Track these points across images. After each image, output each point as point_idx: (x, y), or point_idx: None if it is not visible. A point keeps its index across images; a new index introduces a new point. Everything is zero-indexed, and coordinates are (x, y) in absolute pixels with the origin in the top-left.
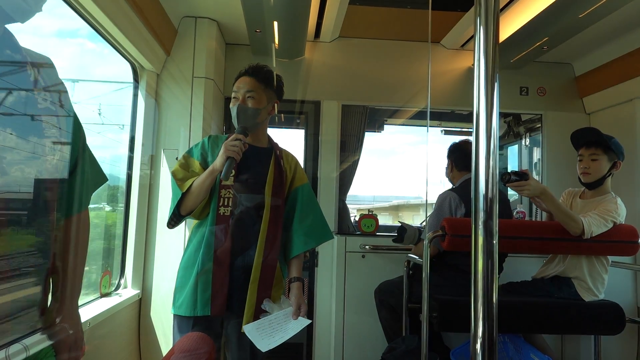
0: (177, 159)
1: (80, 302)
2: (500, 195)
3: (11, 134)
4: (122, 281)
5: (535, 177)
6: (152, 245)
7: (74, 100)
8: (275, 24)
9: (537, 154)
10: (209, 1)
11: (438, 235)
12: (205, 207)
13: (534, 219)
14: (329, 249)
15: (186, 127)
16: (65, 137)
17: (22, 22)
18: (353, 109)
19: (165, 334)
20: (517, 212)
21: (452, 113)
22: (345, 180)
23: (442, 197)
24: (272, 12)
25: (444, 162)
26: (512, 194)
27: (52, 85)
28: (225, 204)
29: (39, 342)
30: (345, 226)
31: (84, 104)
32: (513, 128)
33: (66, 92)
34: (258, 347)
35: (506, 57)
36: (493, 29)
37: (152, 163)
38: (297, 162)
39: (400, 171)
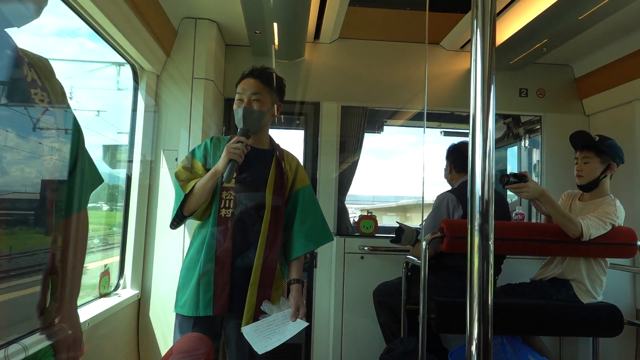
0: (176, 159)
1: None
2: (499, 197)
3: (7, 130)
4: (121, 281)
5: (535, 178)
6: (151, 246)
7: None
8: (275, 25)
9: (536, 155)
10: (209, 2)
11: (437, 237)
12: (207, 208)
13: (533, 220)
14: (327, 250)
15: (186, 128)
16: (64, 137)
17: (19, 26)
18: (353, 110)
19: (164, 334)
20: (516, 214)
21: (451, 114)
22: (344, 181)
23: (440, 199)
24: (271, 13)
25: (443, 163)
26: (511, 195)
27: (49, 86)
28: (227, 205)
29: (37, 342)
30: (344, 227)
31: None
32: (512, 129)
33: (64, 92)
34: (255, 349)
35: (506, 58)
36: (490, 31)
37: (151, 164)
38: (298, 164)
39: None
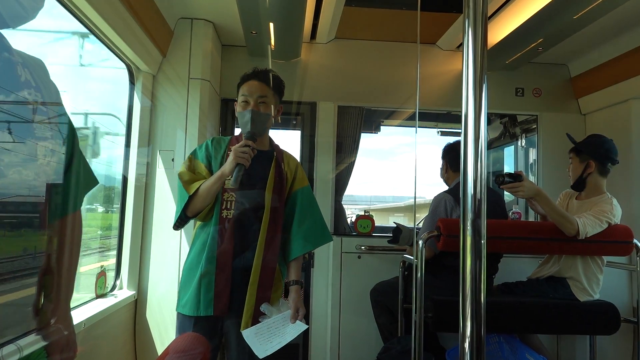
0: (172, 160)
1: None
2: (495, 196)
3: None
4: (118, 282)
5: (531, 178)
6: (147, 246)
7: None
8: (271, 25)
9: (533, 154)
10: (205, 2)
11: (433, 236)
12: (210, 209)
13: (529, 219)
14: (325, 250)
15: (182, 129)
16: (58, 138)
17: (14, 27)
18: (349, 110)
19: (161, 335)
20: (513, 213)
21: (448, 114)
22: (341, 181)
23: (438, 200)
24: (268, 14)
25: (440, 162)
26: (508, 194)
27: (43, 87)
28: (228, 207)
29: (32, 343)
30: (341, 227)
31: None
32: (509, 129)
33: (58, 93)
34: (256, 352)
35: (501, 58)
36: (481, 31)
37: (148, 164)
38: (298, 165)
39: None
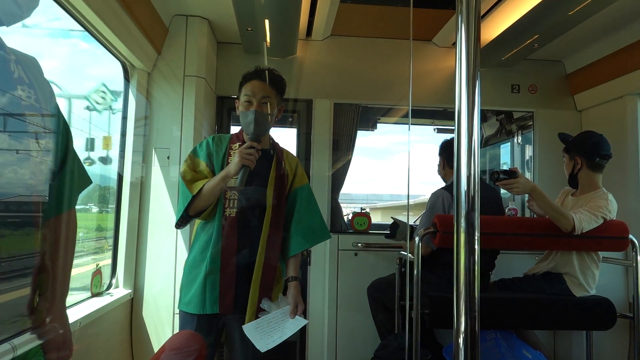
0: (168, 157)
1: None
2: (492, 193)
3: None
4: (114, 281)
5: (527, 174)
6: (143, 245)
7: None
8: (267, 22)
9: (529, 151)
10: (200, 0)
11: (429, 232)
12: (213, 208)
13: (526, 216)
14: (322, 248)
15: (178, 126)
16: (51, 136)
17: (7, 25)
18: (345, 108)
19: (157, 333)
20: (509, 210)
21: (444, 111)
22: (338, 178)
23: (436, 196)
24: (263, 10)
25: (437, 159)
26: (504, 191)
27: (37, 85)
28: (231, 205)
29: (27, 341)
30: (338, 224)
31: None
32: (505, 126)
33: (52, 92)
34: (257, 346)
35: (497, 55)
36: (474, 28)
37: (143, 162)
38: (298, 163)
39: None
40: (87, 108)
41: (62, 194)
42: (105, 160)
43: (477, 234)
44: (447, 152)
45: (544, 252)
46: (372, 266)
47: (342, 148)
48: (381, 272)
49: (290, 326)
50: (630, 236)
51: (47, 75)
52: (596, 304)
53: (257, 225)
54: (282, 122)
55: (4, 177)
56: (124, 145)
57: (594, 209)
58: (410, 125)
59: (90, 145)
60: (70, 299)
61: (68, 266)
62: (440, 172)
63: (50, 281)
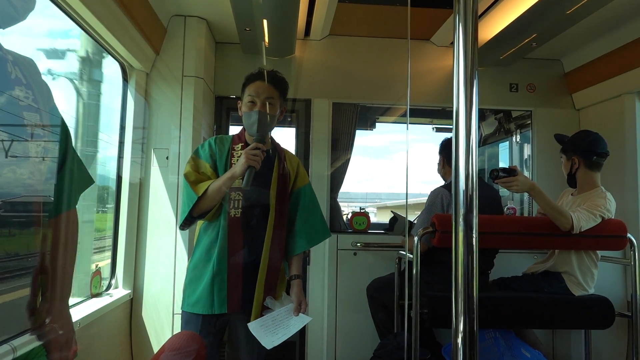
0: (167, 158)
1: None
2: (491, 192)
3: None
4: (113, 281)
5: (526, 173)
6: (142, 245)
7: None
8: (265, 22)
9: (527, 150)
10: (199, 0)
11: (428, 231)
12: (218, 208)
13: (524, 215)
14: (321, 247)
15: (176, 127)
16: (50, 137)
17: (4, 28)
18: (344, 107)
19: (156, 334)
20: (508, 209)
21: (442, 110)
22: (337, 178)
23: (434, 194)
24: (261, 10)
25: (436, 158)
26: (503, 190)
27: (35, 85)
28: (236, 205)
29: (28, 342)
30: (337, 224)
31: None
32: (504, 125)
33: (50, 92)
34: (263, 344)
35: (495, 54)
36: (472, 27)
37: (142, 162)
38: (299, 163)
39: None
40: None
41: (62, 194)
42: None
43: (475, 234)
44: (446, 150)
45: (543, 251)
46: (371, 266)
47: (341, 147)
48: (380, 272)
49: (295, 323)
50: (629, 235)
51: None
52: (595, 303)
53: (262, 225)
54: (281, 122)
55: (3, 178)
56: (123, 146)
57: (592, 207)
58: (409, 125)
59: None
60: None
61: (69, 266)
62: (440, 171)
63: (51, 282)
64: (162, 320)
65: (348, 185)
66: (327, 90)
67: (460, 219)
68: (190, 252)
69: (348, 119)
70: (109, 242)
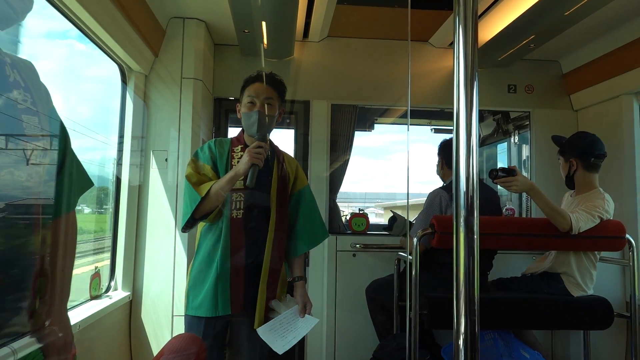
0: (166, 160)
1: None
2: (490, 192)
3: None
4: (112, 283)
5: (525, 174)
6: (142, 247)
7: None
8: (264, 24)
9: (526, 151)
10: (197, 2)
11: (427, 233)
12: (219, 210)
13: (523, 216)
14: (320, 248)
15: (175, 129)
16: (49, 139)
17: (2, 29)
18: (343, 109)
19: (156, 335)
20: (507, 209)
21: (441, 111)
22: (336, 179)
23: (433, 195)
24: (260, 12)
25: (435, 159)
26: (501, 191)
27: (33, 88)
28: (237, 207)
29: (27, 345)
30: (336, 225)
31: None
32: (502, 126)
33: (48, 95)
34: (274, 349)
35: (494, 55)
36: (472, 28)
37: (141, 165)
38: (298, 165)
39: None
40: None
41: (61, 197)
42: None
43: (476, 235)
44: (445, 151)
45: (542, 252)
46: (370, 267)
47: (340, 148)
48: (379, 273)
49: (303, 326)
50: (627, 236)
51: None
52: (594, 304)
53: (263, 226)
54: (280, 124)
55: (1, 180)
56: (122, 148)
57: (590, 208)
58: (408, 125)
59: None
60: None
61: (68, 269)
62: (438, 172)
63: (49, 284)
64: (162, 322)
65: (347, 186)
66: (325, 91)
67: (461, 220)
68: (189, 254)
69: (347, 120)
70: (100, 243)
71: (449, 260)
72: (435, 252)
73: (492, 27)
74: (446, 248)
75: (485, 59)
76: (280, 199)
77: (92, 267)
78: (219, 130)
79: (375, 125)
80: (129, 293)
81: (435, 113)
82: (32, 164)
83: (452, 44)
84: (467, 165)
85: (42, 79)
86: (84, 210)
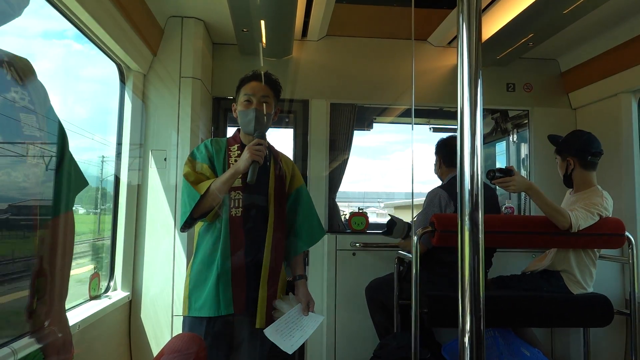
0: (165, 159)
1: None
2: (488, 191)
3: None
4: (112, 283)
5: (523, 173)
6: (141, 247)
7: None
8: (262, 22)
9: (524, 149)
10: (196, 1)
11: (427, 231)
12: (219, 208)
13: (522, 214)
14: (319, 248)
15: (174, 128)
16: (46, 138)
17: (0, 25)
18: (342, 108)
19: (155, 335)
20: (506, 208)
21: (440, 110)
22: (335, 178)
23: (432, 195)
24: (258, 11)
25: (433, 159)
26: (500, 189)
27: (30, 86)
28: (236, 205)
29: (26, 345)
30: (335, 224)
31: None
32: (500, 124)
33: (46, 93)
34: (283, 349)
35: (492, 53)
36: (476, 26)
37: (140, 164)
38: (293, 164)
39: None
40: None
41: (59, 196)
42: None
43: (481, 234)
44: (443, 150)
45: (541, 250)
46: (370, 266)
47: (339, 148)
48: (379, 272)
49: (309, 324)
50: (627, 233)
51: None
52: (593, 301)
53: (262, 225)
54: (279, 123)
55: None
56: (121, 148)
57: (589, 206)
58: (406, 125)
59: None
60: None
61: (66, 269)
62: (436, 171)
63: (48, 284)
64: (161, 322)
65: (345, 186)
66: (324, 90)
67: (466, 219)
68: (189, 253)
69: (346, 119)
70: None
71: (448, 258)
72: (433, 250)
73: (490, 26)
74: (446, 246)
75: (484, 58)
76: (278, 197)
77: (85, 269)
78: (218, 130)
79: (374, 124)
80: (129, 293)
81: (434, 112)
82: (30, 163)
83: (451, 42)
84: (471, 163)
85: (39, 78)
86: (79, 211)
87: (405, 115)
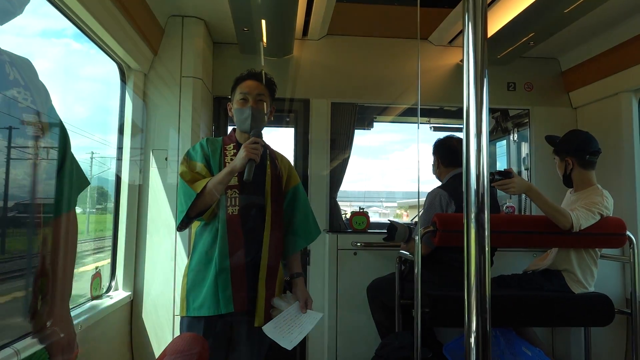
0: (166, 159)
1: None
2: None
3: None
4: (113, 283)
5: (524, 172)
6: (142, 247)
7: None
8: (263, 22)
9: (525, 149)
10: (196, 0)
11: (429, 231)
12: (214, 208)
13: (523, 213)
14: (320, 247)
15: (175, 127)
16: (49, 138)
17: (1, 24)
18: (342, 107)
19: (157, 335)
20: (507, 207)
21: (440, 109)
22: (336, 177)
23: (432, 195)
24: (259, 10)
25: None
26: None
27: (32, 86)
28: (233, 203)
29: (30, 345)
30: (336, 224)
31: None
32: (501, 123)
33: (48, 94)
34: (282, 345)
35: (493, 52)
36: (481, 25)
37: (141, 164)
38: (290, 163)
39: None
40: None
41: (62, 195)
42: None
43: (487, 233)
44: (441, 151)
45: (542, 249)
46: (371, 265)
47: (340, 147)
48: (381, 272)
49: (308, 321)
50: (627, 233)
51: None
52: (594, 301)
53: (260, 223)
54: (279, 122)
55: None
56: (122, 147)
57: (590, 205)
58: (406, 124)
59: None
60: None
61: (69, 268)
62: (434, 172)
63: (51, 284)
64: (163, 321)
65: (346, 185)
66: (325, 90)
67: (472, 218)
68: (190, 253)
69: (346, 118)
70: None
71: (449, 257)
72: (436, 251)
73: (491, 25)
74: (448, 246)
75: None
76: (275, 196)
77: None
78: (219, 129)
79: (374, 124)
80: (130, 293)
81: (435, 111)
82: (32, 163)
83: (452, 41)
84: (477, 162)
85: (40, 78)
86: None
87: (405, 115)
